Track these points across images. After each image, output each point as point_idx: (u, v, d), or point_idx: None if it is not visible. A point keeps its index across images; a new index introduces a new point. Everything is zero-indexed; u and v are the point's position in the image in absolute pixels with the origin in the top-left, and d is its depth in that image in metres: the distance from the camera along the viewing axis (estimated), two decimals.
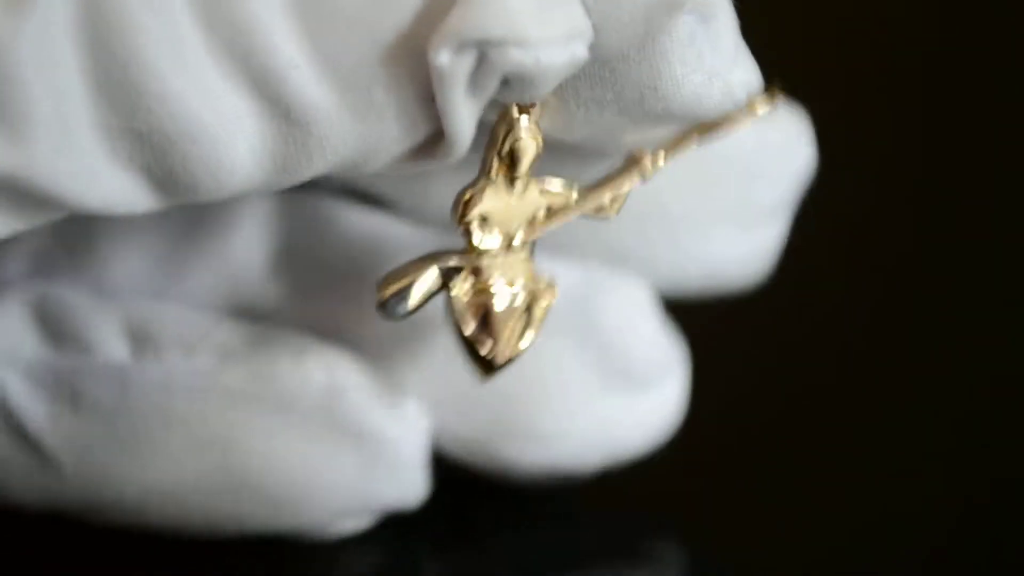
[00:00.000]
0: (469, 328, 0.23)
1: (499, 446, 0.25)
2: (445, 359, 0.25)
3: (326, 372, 0.24)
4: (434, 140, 0.21)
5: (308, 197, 0.25)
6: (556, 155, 0.23)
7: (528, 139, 0.22)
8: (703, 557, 0.27)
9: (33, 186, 0.20)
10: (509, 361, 0.24)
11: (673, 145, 0.23)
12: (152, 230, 0.25)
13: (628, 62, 0.21)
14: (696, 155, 0.24)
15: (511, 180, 0.23)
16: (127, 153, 0.20)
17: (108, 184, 0.20)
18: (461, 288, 0.23)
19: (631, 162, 0.23)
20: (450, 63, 0.20)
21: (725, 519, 0.27)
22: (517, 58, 0.20)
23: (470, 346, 0.23)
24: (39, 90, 0.19)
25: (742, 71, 0.21)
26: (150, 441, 0.24)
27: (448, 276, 0.23)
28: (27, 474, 0.25)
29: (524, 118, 0.22)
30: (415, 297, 0.23)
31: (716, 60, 0.21)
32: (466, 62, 0.20)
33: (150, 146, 0.20)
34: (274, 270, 0.25)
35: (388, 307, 0.23)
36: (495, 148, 0.22)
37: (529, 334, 0.24)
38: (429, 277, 0.23)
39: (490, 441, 0.25)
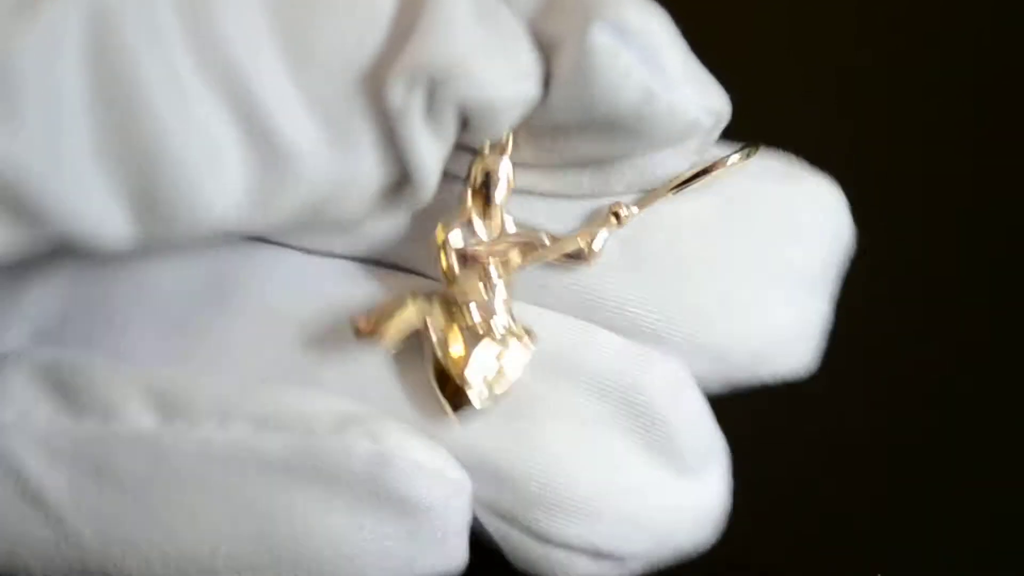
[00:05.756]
0: (443, 363, 0.24)
1: (537, 518, 0.24)
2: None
3: (370, 441, 0.23)
4: (403, 183, 0.22)
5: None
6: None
7: (500, 168, 0.23)
8: None
9: (20, 185, 0.20)
10: (485, 404, 0.24)
11: (649, 196, 0.24)
12: (169, 296, 0.25)
13: (565, 85, 0.22)
14: (722, 217, 0.24)
15: (485, 214, 0.23)
16: (114, 173, 0.20)
17: (91, 203, 0.21)
18: (438, 324, 0.24)
19: (608, 210, 0.24)
20: (403, 98, 0.21)
21: None
22: (464, 90, 0.21)
23: (443, 382, 0.24)
24: (35, 93, 0.20)
25: (693, 92, 0.22)
26: (184, 510, 0.23)
27: (425, 312, 0.24)
28: (47, 546, 0.24)
29: (495, 150, 0.23)
30: (393, 332, 0.24)
31: (651, 77, 0.22)
32: (418, 97, 0.21)
33: (138, 168, 0.20)
34: (302, 325, 0.25)
35: (367, 343, 0.24)
36: (469, 180, 0.23)
37: (505, 380, 0.24)
38: (407, 312, 0.24)
39: (528, 512, 0.24)
